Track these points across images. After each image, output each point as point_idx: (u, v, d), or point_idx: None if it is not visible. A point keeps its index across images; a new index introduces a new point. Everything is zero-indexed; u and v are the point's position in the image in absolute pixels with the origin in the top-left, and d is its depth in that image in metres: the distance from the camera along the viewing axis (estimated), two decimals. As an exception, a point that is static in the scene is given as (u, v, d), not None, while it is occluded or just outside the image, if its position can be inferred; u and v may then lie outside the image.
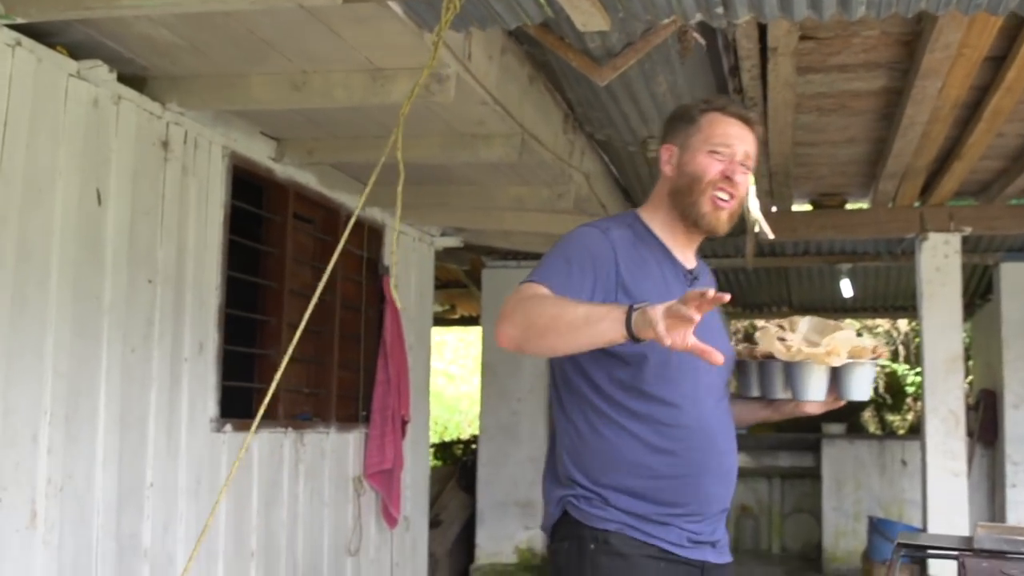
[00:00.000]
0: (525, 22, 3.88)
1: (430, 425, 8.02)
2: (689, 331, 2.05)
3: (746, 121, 2.62)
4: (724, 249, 8.85)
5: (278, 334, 5.53)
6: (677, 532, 2.45)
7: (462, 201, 6.66)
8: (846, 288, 9.85)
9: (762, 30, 4.49)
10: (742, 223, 8.14)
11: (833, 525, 9.65)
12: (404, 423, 6.59)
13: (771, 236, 8.09)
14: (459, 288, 11.24)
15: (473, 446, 11.73)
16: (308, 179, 5.80)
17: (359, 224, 6.42)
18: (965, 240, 7.78)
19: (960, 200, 7.84)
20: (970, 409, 9.09)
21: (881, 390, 13.67)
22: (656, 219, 2.64)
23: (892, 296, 11.00)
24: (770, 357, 2.63)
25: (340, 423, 6.09)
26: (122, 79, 4.37)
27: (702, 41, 4.18)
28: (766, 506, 10.82)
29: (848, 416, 12.34)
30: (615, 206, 7.34)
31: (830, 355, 2.53)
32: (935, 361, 7.60)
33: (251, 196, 5.55)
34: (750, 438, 11.09)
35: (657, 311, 2.05)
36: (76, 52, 4.13)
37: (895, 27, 4.67)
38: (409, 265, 7.23)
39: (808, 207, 8.16)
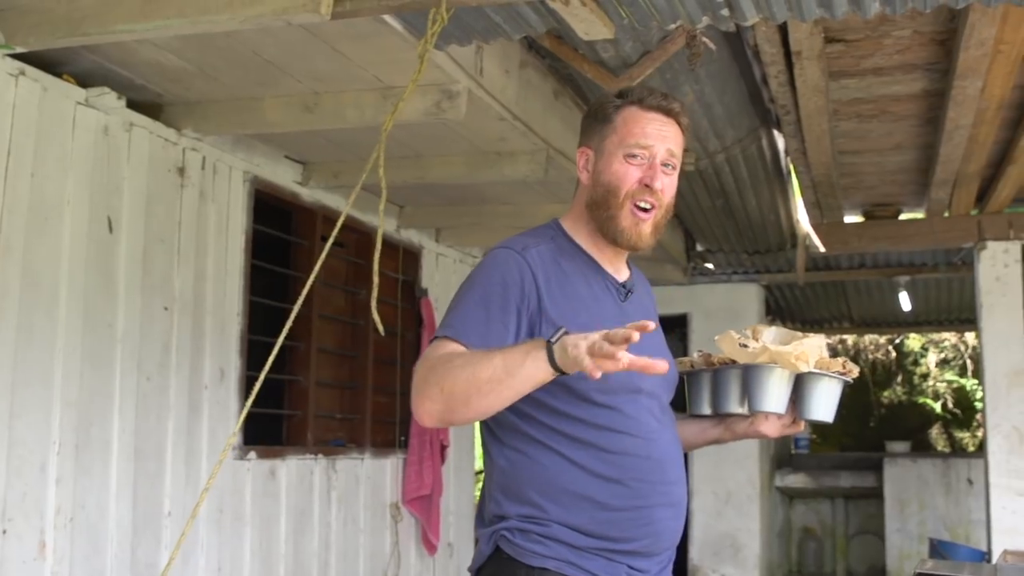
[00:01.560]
0: (528, 33, 3.78)
1: (478, 450, 7.91)
2: (619, 363, 1.81)
3: (668, 113, 2.29)
4: (775, 264, 8.64)
5: (307, 359, 5.47)
6: (625, 572, 2.17)
7: (497, 220, 6.57)
8: (904, 301, 9.57)
9: (784, 34, 4.34)
10: (792, 237, 7.95)
11: (897, 547, 9.33)
12: (443, 448, 6.49)
13: (822, 249, 7.89)
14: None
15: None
16: (337, 202, 5.74)
17: (395, 247, 6.38)
18: (1026, 249, 7.50)
19: (1019, 207, 7.55)
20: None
21: (950, 405, 13.29)
22: (579, 230, 2.35)
23: (956, 308, 10.66)
24: (729, 363, 2.38)
25: (376, 449, 6.01)
26: (137, 106, 4.37)
27: (712, 46, 4.04)
28: (829, 528, 10.53)
29: (913, 434, 12.02)
30: (657, 222, 7.19)
31: (798, 359, 2.25)
32: (996, 375, 7.31)
33: (280, 221, 5.51)
34: (811, 457, 10.84)
35: (580, 349, 1.84)
36: (87, 80, 4.12)
37: (927, 25, 4.49)
38: (450, 287, 7.12)
39: (860, 218, 7.93)
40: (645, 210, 2.27)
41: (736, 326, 7.27)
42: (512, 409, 2.11)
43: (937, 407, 13.32)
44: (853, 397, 12.97)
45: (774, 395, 2.27)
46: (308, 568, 5.29)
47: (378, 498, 5.99)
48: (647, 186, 2.25)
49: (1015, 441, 7.21)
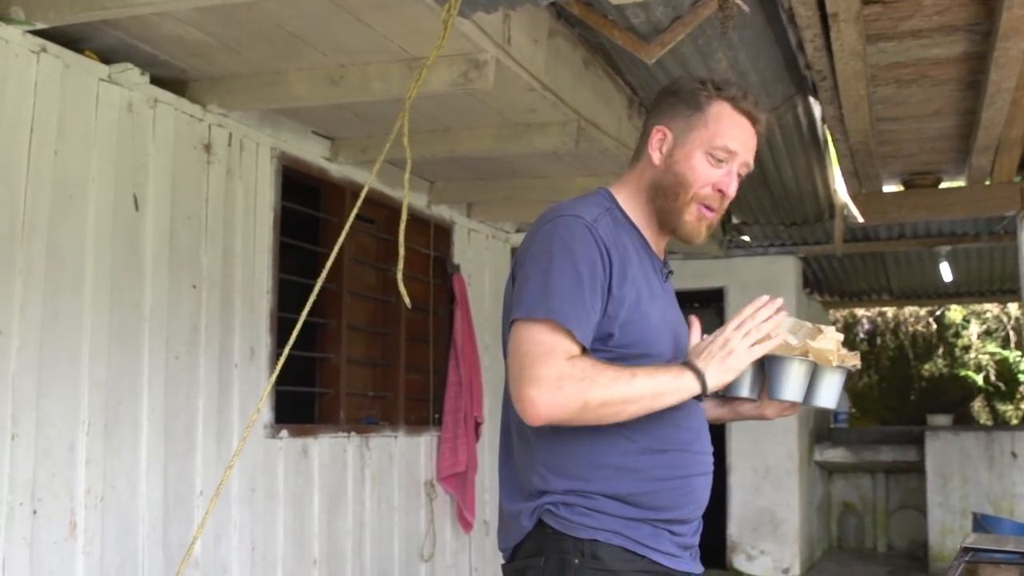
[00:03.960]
0: (543, -1, 3.67)
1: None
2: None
3: (755, 121, 2.26)
4: (813, 235, 8.50)
5: (338, 337, 5.42)
6: (668, 539, 2.16)
7: (530, 195, 6.49)
8: (945, 272, 9.40)
9: (820, -4, 4.22)
10: (830, 207, 7.82)
11: (939, 522, 9.18)
12: (478, 425, 6.44)
13: (860, 219, 7.75)
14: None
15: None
16: (366, 178, 5.64)
17: (425, 222, 6.32)
18: (1071, 216, 7.32)
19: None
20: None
21: (992, 378, 13.08)
22: (633, 206, 2.26)
23: (999, 279, 10.47)
24: None
25: (409, 426, 5.96)
26: (162, 82, 4.32)
27: (746, 8, 3.93)
28: (870, 503, 10.39)
29: (955, 407, 11.83)
30: (692, 194, 7.09)
31: (830, 352, 2.28)
32: (1041, 345, 7.16)
33: (309, 198, 5.45)
34: (851, 432, 10.68)
35: (738, 358, 2.08)
36: (110, 57, 4.08)
37: (968, -15, 4.36)
38: (483, 263, 7.06)
39: (899, 188, 7.78)
40: (710, 212, 2.25)
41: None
42: None
43: (979, 380, 13.12)
44: (893, 370, 12.83)
45: (797, 385, 2.29)
46: (342, 547, 5.26)
47: (412, 476, 5.95)
48: (720, 191, 2.23)
49: (1061, 412, 7.07)
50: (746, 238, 8.73)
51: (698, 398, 2.11)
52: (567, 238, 2.09)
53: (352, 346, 5.57)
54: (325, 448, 5.17)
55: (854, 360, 2.36)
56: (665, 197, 2.23)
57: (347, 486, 5.34)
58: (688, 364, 2.08)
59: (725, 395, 2.38)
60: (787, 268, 8.94)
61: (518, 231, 7.58)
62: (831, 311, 12.19)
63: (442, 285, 6.48)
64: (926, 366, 13.19)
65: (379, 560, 5.55)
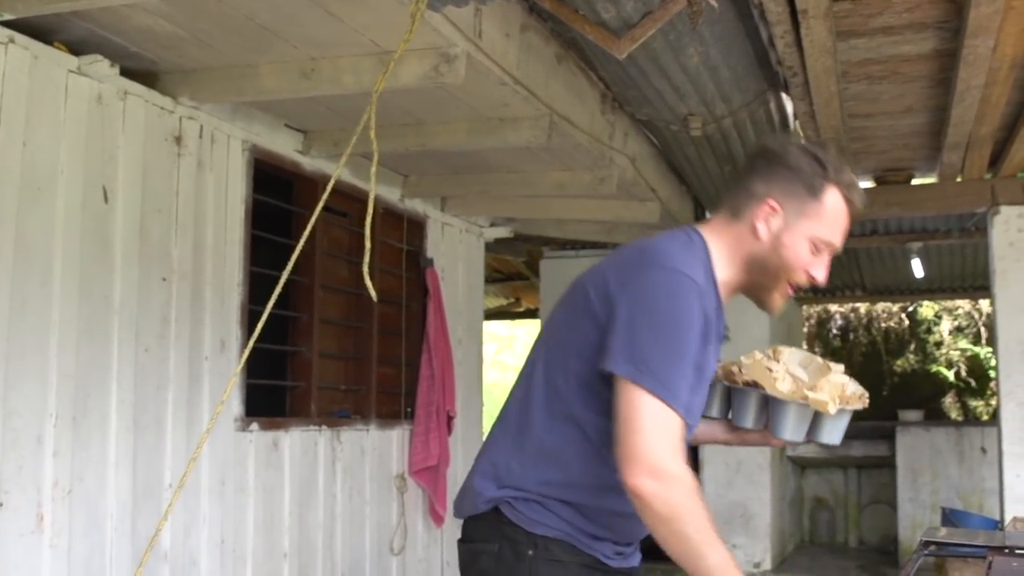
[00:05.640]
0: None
1: (487, 420, 7.85)
2: None
3: (856, 210, 2.29)
4: (786, 231, 8.53)
5: (310, 330, 5.42)
6: (609, 547, 2.28)
7: (503, 189, 6.50)
8: (917, 268, 9.47)
9: (790, -8, 4.24)
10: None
11: (909, 517, 9.26)
12: (450, 419, 6.45)
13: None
14: (522, 280, 11.08)
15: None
16: (341, 172, 5.65)
17: (399, 216, 6.32)
18: (1042, 213, 7.38)
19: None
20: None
21: (963, 374, 13.18)
22: (724, 267, 2.26)
23: (970, 275, 10.55)
24: (753, 385, 2.44)
25: (381, 420, 5.96)
26: (132, 75, 4.30)
27: (714, 3, 3.94)
28: (842, 498, 10.47)
29: (926, 403, 11.91)
30: (665, 189, 7.11)
31: (828, 400, 2.35)
32: (1009, 342, 7.21)
33: (282, 191, 5.44)
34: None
35: None
36: (79, 48, 4.06)
37: (936, -18, 4.39)
38: (456, 258, 7.07)
39: (871, 184, 7.82)
40: (796, 289, 2.30)
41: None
42: (590, 408, 2.17)
43: (951, 376, 13.21)
44: (865, 366, 12.90)
45: (796, 426, 2.38)
46: (313, 539, 5.26)
47: (384, 469, 5.95)
48: (811, 276, 2.26)
49: (1029, 409, 7.12)
50: (719, 233, 8.75)
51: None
52: (683, 304, 2.09)
53: (324, 339, 5.56)
54: (296, 441, 5.17)
55: (858, 403, 2.41)
56: (764, 275, 2.26)
57: (318, 479, 5.34)
58: None
59: (736, 423, 2.50)
60: (760, 264, 8.97)
61: (492, 225, 7.59)
62: (804, 307, 12.26)
63: (415, 279, 6.48)
64: (898, 362, 13.28)
65: (350, 553, 5.56)
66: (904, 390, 12.83)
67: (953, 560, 7.15)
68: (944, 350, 13.43)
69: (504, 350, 19.31)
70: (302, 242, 3.43)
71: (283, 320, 5.39)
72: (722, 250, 2.25)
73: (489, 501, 2.21)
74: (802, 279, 2.26)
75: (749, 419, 2.47)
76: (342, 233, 5.87)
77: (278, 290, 3.35)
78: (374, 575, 5.78)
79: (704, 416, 2.53)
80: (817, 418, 2.42)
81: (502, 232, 7.64)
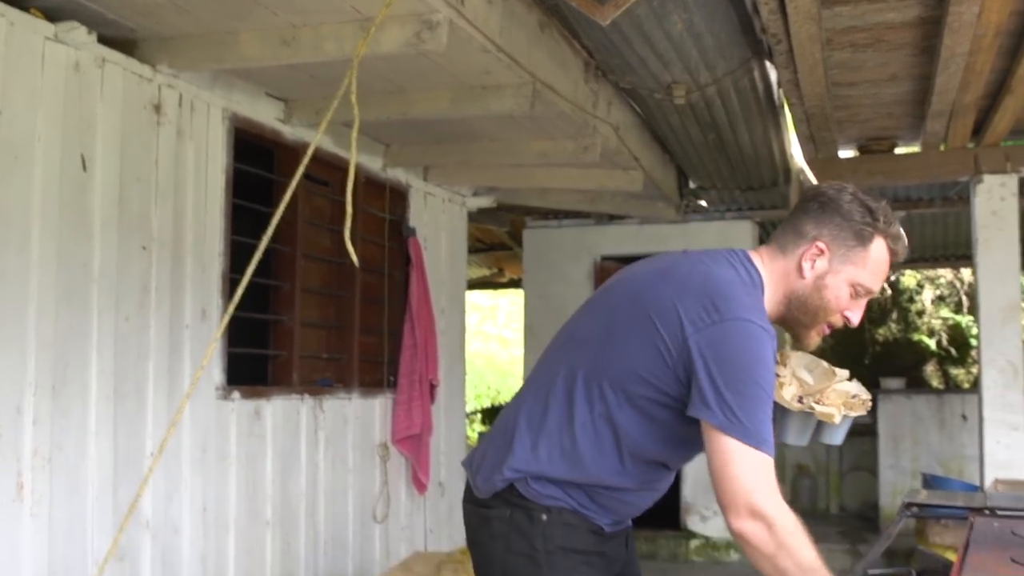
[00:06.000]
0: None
1: (480, 387, 7.87)
2: None
3: (897, 260, 2.42)
4: (769, 200, 8.54)
5: (292, 299, 5.40)
6: (610, 520, 2.45)
7: (486, 158, 6.48)
8: (901, 237, 9.48)
9: (774, -41, 4.22)
10: (786, 172, 7.85)
11: (890, 483, 9.33)
12: (433, 387, 6.45)
13: (816, 184, 7.79)
14: (505, 251, 11.06)
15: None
16: (322, 140, 5.61)
17: (381, 185, 6.29)
18: (1022, 183, 7.39)
19: (1017, 139, 7.44)
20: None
21: (944, 343, 13.24)
22: (769, 298, 2.38)
23: (952, 244, 10.57)
24: None
25: (364, 389, 5.96)
26: (110, 42, 4.26)
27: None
28: (823, 465, 10.53)
29: (908, 371, 11.97)
30: (649, 159, 7.10)
31: (834, 412, 2.47)
32: (991, 310, 7.24)
33: (263, 160, 5.41)
34: (807, 395, 10.79)
35: None
36: (56, 15, 4.01)
37: (920, -51, 4.37)
38: (439, 227, 7.05)
39: (855, 153, 7.81)
40: (831, 329, 2.41)
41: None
42: (633, 424, 2.31)
43: (932, 344, 13.28)
44: (848, 335, 12.93)
45: (800, 432, 2.51)
46: (295, 508, 5.26)
47: (366, 438, 5.95)
48: (847, 319, 2.39)
49: (1009, 376, 7.16)
50: (703, 203, 8.75)
51: None
52: (762, 354, 2.20)
53: (306, 308, 5.55)
54: (278, 410, 5.16)
55: (861, 409, 2.53)
56: (804, 313, 2.37)
57: (300, 448, 5.34)
58: None
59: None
60: (743, 232, 8.98)
61: (475, 195, 7.57)
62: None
63: (397, 248, 6.46)
64: (880, 331, 13.32)
65: (333, 521, 5.57)
66: (886, 359, 12.88)
67: (933, 524, 7.22)
68: (926, 319, 13.49)
69: (487, 320, 19.31)
70: (281, 208, 3.41)
71: (265, 289, 5.37)
72: (771, 285, 2.37)
73: (507, 481, 2.35)
74: (838, 321, 2.38)
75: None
76: (324, 202, 5.84)
77: (257, 256, 3.33)
78: (357, 543, 5.79)
79: None
80: (827, 427, 2.52)
81: (485, 202, 7.62)
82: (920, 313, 13.56)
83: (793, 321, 2.39)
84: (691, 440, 2.28)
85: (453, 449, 7.08)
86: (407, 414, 6.21)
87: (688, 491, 8.86)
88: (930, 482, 7.35)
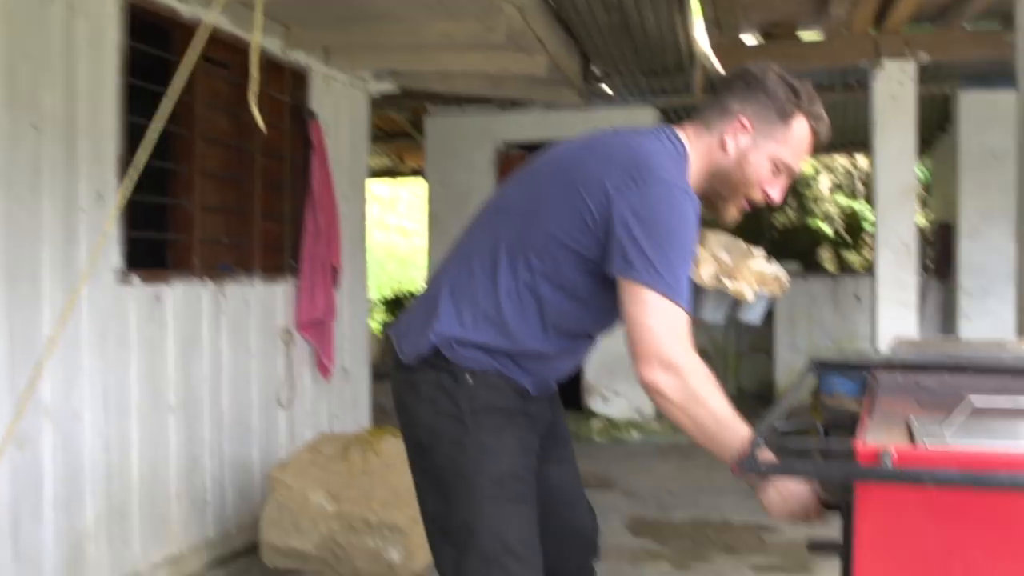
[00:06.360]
0: None
1: (381, 277, 7.84)
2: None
3: (819, 141, 2.49)
4: (672, 86, 8.55)
5: (191, 183, 5.28)
6: (532, 385, 2.53)
7: (390, 40, 6.34)
8: (800, 123, 9.59)
9: None
10: (690, 57, 7.84)
11: (786, 363, 9.61)
12: (335, 272, 6.40)
13: (720, 70, 7.82)
14: (406, 139, 10.93)
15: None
16: (219, 20, 5.44)
17: (281, 68, 6.13)
18: (923, 69, 7.52)
19: (918, 26, 7.54)
20: (927, 244, 8.96)
21: (839, 228, 13.55)
22: (692, 172, 2.44)
23: (850, 131, 10.73)
24: None
25: (266, 274, 5.89)
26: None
27: None
28: (721, 348, 10.77)
29: (805, 256, 12.24)
30: (553, 42, 7.01)
31: (745, 289, 2.53)
32: (888, 192, 7.43)
33: (160, 40, 5.22)
34: (706, 280, 11.00)
35: (796, 500, 2.18)
36: None
37: None
38: (340, 112, 6.92)
39: (758, 39, 7.85)
40: (751, 205, 2.49)
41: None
42: (558, 290, 2.38)
43: (828, 230, 13.57)
44: (747, 221, 13.16)
45: (715, 308, 2.56)
46: (199, 394, 5.22)
47: (269, 323, 5.91)
48: (767, 195, 2.47)
49: (903, 255, 7.38)
50: (606, 88, 8.73)
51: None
52: (683, 213, 2.26)
53: (205, 192, 5.43)
54: (179, 295, 5.08)
55: (776, 286, 2.60)
56: (725, 187, 2.45)
57: (202, 333, 5.27)
58: (753, 445, 2.08)
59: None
60: (646, 119, 9.01)
61: (377, 79, 7.43)
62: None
63: (298, 132, 6.33)
64: (779, 217, 13.57)
65: (237, 407, 5.54)
66: (784, 243, 13.13)
67: (827, 397, 7.46)
68: (822, 205, 13.76)
69: (387, 211, 19.18)
70: (177, 89, 3.29)
71: (163, 172, 5.24)
72: (695, 160, 2.44)
73: (432, 345, 2.41)
74: (759, 196, 2.45)
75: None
76: (223, 85, 5.68)
77: (151, 137, 3.22)
78: (262, 428, 5.78)
79: None
80: (745, 305, 2.59)
81: (387, 86, 7.48)
82: (816, 199, 13.83)
83: (715, 195, 2.46)
84: (612, 309, 2.35)
85: (357, 335, 7.07)
86: (310, 299, 6.17)
87: (591, 373, 9.01)
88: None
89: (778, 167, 2.43)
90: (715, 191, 2.46)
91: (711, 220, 2.54)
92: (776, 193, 2.47)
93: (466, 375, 2.40)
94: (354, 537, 4.86)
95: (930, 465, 1.68)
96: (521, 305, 2.39)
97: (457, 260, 2.52)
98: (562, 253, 2.35)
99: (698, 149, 2.44)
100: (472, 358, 2.41)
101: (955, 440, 1.76)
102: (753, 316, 2.63)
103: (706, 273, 2.54)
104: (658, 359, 2.18)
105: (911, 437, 1.83)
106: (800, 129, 2.41)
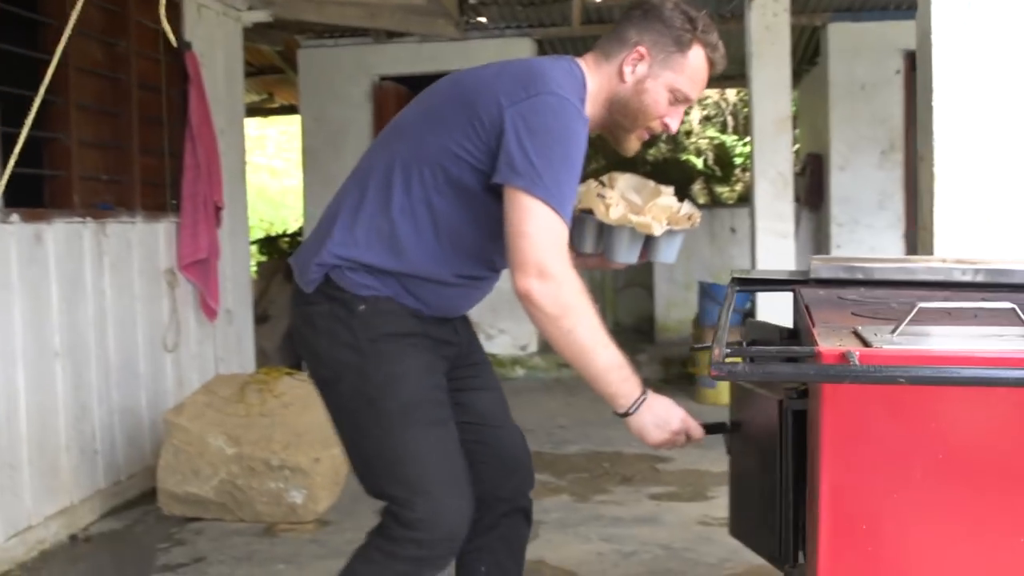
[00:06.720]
0: None
1: (252, 219, 7.64)
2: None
3: (715, 70, 2.50)
4: (549, 17, 8.49)
5: (66, 116, 5.02)
6: (426, 310, 2.48)
7: (265, -34, 6.12)
8: (674, 55, 9.67)
9: None
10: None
11: (665, 296, 9.74)
12: (218, 210, 6.20)
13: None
14: (276, 74, 10.64)
15: (299, 238, 11.38)
16: (87, -58, 5.15)
17: (153, -5, 5.85)
18: (795, 0, 7.60)
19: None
20: (797, 175, 9.15)
21: (711, 162, 13.76)
22: (592, 102, 2.42)
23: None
24: (588, 212, 2.57)
25: (147, 212, 5.66)
26: None
27: None
28: (598, 283, 10.85)
29: (678, 190, 12.39)
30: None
31: (653, 222, 2.51)
32: (764, 123, 7.51)
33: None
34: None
35: (658, 436, 2.28)
36: None
37: None
38: (214, 43, 6.66)
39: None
40: (651, 135, 2.52)
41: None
42: (452, 205, 2.35)
43: (699, 163, 13.77)
44: (620, 155, 13.27)
45: (628, 249, 2.56)
46: (84, 337, 4.99)
47: (152, 264, 5.68)
48: (666, 125, 2.47)
49: (780, 186, 7.50)
50: (483, 19, 8.62)
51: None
52: (571, 125, 2.25)
53: (82, 126, 5.17)
54: (60, 234, 4.82)
55: (686, 223, 2.61)
56: (624, 116, 2.44)
57: (85, 275, 5.03)
58: (643, 392, 2.29)
59: (575, 249, 2.61)
60: (523, 50, 8.92)
61: (250, 8, 7.17)
62: (561, 98, 12.36)
63: (173, 63, 6.06)
64: (651, 151, 13.68)
65: (123, 351, 5.32)
66: (656, 178, 13.04)
67: (710, 329, 7.58)
68: (693, 139, 13.94)
69: (255, 150, 18.72)
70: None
71: (41, 106, 4.94)
72: (594, 88, 2.42)
73: (322, 267, 2.40)
74: (656, 126, 2.47)
75: (588, 244, 2.61)
76: (94, 11, 5.38)
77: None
78: (148, 372, 5.58)
79: None
80: (651, 240, 2.57)
81: (261, 16, 7.23)
82: (688, 133, 14.00)
83: (614, 125, 2.46)
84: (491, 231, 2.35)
85: (239, 275, 6.88)
86: (193, 238, 5.95)
87: (474, 310, 8.97)
88: (708, 290, 7.70)
89: (676, 96, 2.44)
90: (614, 121, 2.46)
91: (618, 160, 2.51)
92: (674, 123, 2.48)
93: (359, 304, 2.38)
94: (255, 480, 4.75)
95: (896, 364, 1.71)
96: (415, 221, 2.37)
97: (352, 181, 2.49)
98: (455, 165, 2.33)
99: (597, 78, 2.43)
100: (364, 284, 2.38)
101: (910, 343, 1.81)
102: (667, 256, 2.63)
103: (616, 213, 2.52)
104: (537, 267, 2.17)
105: (864, 342, 1.86)
106: (697, 58, 2.42)
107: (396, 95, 9.22)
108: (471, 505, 2.42)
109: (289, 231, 13.15)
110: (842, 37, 8.80)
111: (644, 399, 2.28)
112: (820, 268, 2.73)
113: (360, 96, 9.03)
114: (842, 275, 2.74)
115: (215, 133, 6.20)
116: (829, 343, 1.86)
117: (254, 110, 12.26)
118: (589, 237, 2.61)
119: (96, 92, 5.43)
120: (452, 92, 2.41)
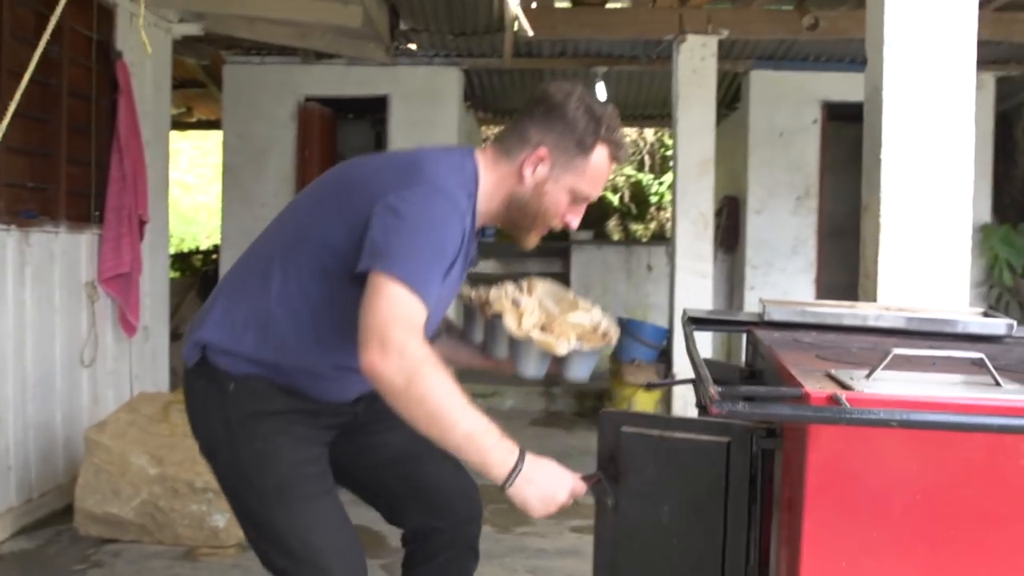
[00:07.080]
0: None
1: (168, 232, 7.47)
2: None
3: (619, 165, 2.46)
4: (479, 48, 8.53)
5: (-6, 120, 4.86)
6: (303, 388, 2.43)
7: (203, -21, 6.04)
8: (601, 93, 9.78)
9: None
10: (500, 20, 7.84)
11: (582, 328, 9.80)
12: (142, 224, 6.06)
13: (530, 33, 7.84)
14: (196, 88, 10.47)
15: (214, 256, 11.19)
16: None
17: (87, 2, 5.74)
18: (720, 45, 7.76)
19: (719, 2, 7.79)
20: (714, 216, 9.30)
21: (627, 200, 13.91)
22: (487, 197, 2.35)
23: (643, 104, 11.02)
24: (500, 318, 2.51)
25: (71, 222, 5.51)
26: None
27: None
28: (516, 312, 10.91)
29: (594, 224, 12.52)
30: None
31: (559, 340, 2.43)
32: (688, 164, 7.65)
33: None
34: (500, 246, 11.08)
35: (559, 495, 2.11)
36: None
37: None
38: (144, 54, 6.53)
39: (568, 4, 7.92)
40: (549, 231, 2.43)
41: (436, 111, 7.36)
42: (324, 300, 2.27)
43: (616, 200, 13.91)
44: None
45: (534, 364, 2.48)
46: (3, 349, 4.83)
47: (74, 276, 5.53)
48: (566, 223, 2.40)
49: (700, 226, 7.64)
50: (413, 46, 8.62)
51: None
52: (440, 214, 2.15)
53: (10, 132, 5.00)
54: (-17, 242, 4.68)
55: (600, 341, 2.49)
56: (524, 216, 2.36)
57: (7, 285, 4.87)
58: (520, 458, 2.07)
59: (488, 354, 2.60)
60: (451, 80, 8.96)
61: (181, 21, 7.07)
62: (484, 127, 12.41)
63: (104, 72, 5.93)
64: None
65: (40, 365, 5.16)
66: (573, 212, 13.37)
67: (628, 365, 7.66)
68: (611, 176, 14.07)
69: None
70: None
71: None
72: (490, 183, 2.34)
73: (198, 345, 2.36)
74: (556, 225, 2.40)
75: (501, 350, 2.55)
76: (27, 15, 5.25)
77: None
78: (65, 388, 5.41)
79: (465, 342, 2.68)
80: (567, 361, 2.48)
81: (192, 29, 7.12)
82: (605, 171, 14.11)
83: (513, 223, 2.40)
84: None
85: (158, 291, 6.73)
86: (115, 252, 5.81)
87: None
88: (626, 326, 7.76)
89: (576, 197, 2.37)
90: (513, 220, 2.39)
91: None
92: (574, 221, 2.42)
93: (229, 383, 2.34)
94: (177, 502, 4.64)
95: (882, 407, 1.74)
96: (292, 312, 2.30)
97: (240, 263, 2.45)
98: (330, 257, 2.25)
99: (494, 175, 2.36)
100: (235, 364, 2.34)
101: (888, 388, 1.85)
102: (578, 373, 2.51)
103: (529, 323, 2.45)
104: (377, 339, 2.00)
105: (842, 385, 1.90)
106: (599, 158, 2.35)
107: (321, 116, 9.15)
108: (364, 571, 2.41)
109: (201, 248, 12.90)
110: (763, 84, 9.00)
111: (521, 468, 2.06)
112: (773, 311, 2.77)
113: (284, 116, 8.95)
114: (796, 319, 2.80)
115: (143, 144, 6.08)
116: (810, 385, 1.89)
117: (172, 124, 12.05)
118: (503, 343, 2.54)
119: (24, 97, 5.26)
120: (339, 181, 2.37)
